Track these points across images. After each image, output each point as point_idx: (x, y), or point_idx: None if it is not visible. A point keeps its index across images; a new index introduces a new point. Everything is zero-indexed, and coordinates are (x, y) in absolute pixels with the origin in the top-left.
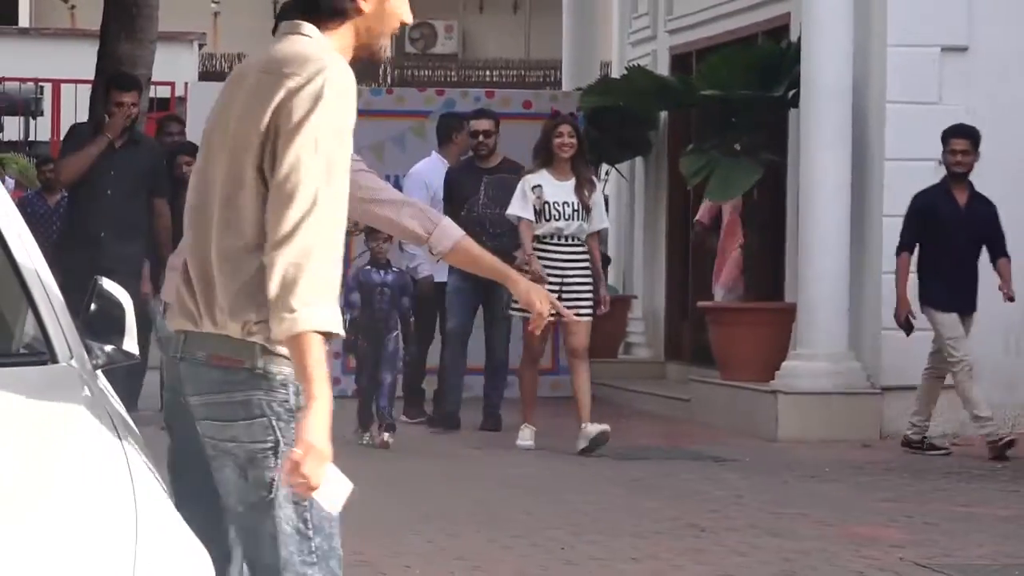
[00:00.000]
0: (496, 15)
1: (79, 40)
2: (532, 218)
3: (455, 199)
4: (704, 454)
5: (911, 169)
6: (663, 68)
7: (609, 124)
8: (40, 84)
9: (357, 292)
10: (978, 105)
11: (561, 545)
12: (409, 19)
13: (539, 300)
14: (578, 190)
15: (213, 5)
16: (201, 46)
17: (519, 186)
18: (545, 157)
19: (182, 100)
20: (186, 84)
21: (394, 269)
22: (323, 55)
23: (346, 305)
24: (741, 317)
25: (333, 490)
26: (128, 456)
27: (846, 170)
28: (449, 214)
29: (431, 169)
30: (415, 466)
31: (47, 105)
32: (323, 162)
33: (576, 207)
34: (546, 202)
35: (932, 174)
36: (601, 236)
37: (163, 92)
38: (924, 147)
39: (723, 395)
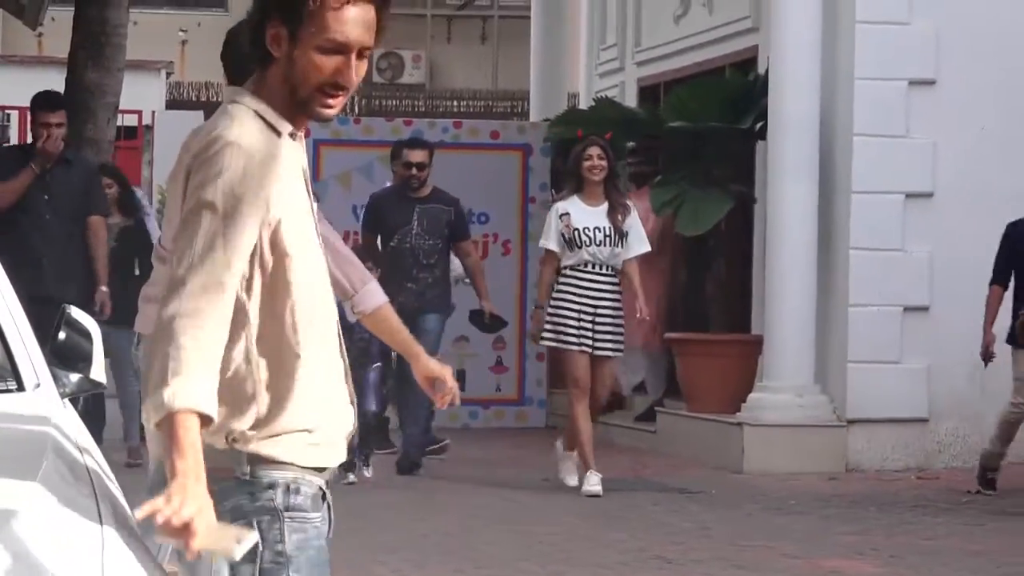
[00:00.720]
0: (464, 45)
1: (46, 68)
2: (556, 248)
3: (384, 228)
4: (670, 486)
5: (878, 202)
6: (631, 100)
7: None
8: (7, 111)
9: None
10: (945, 139)
11: None
12: (346, 81)
13: (447, 376)
14: (611, 215)
15: (181, 34)
16: (169, 75)
17: (549, 215)
18: (575, 182)
19: (149, 128)
20: (153, 113)
21: None
22: (229, 122)
23: None
24: (708, 349)
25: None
26: (96, 487)
27: (813, 202)
28: (378, 241)
29: None
30: (380, 497)
31: (14, 132)
32: (208, 232)
33: (608, 232)
34: (575, 229)
35: (900, 207)
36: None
37: (130, 120)
38: (891, 180)
39: (689, 427)
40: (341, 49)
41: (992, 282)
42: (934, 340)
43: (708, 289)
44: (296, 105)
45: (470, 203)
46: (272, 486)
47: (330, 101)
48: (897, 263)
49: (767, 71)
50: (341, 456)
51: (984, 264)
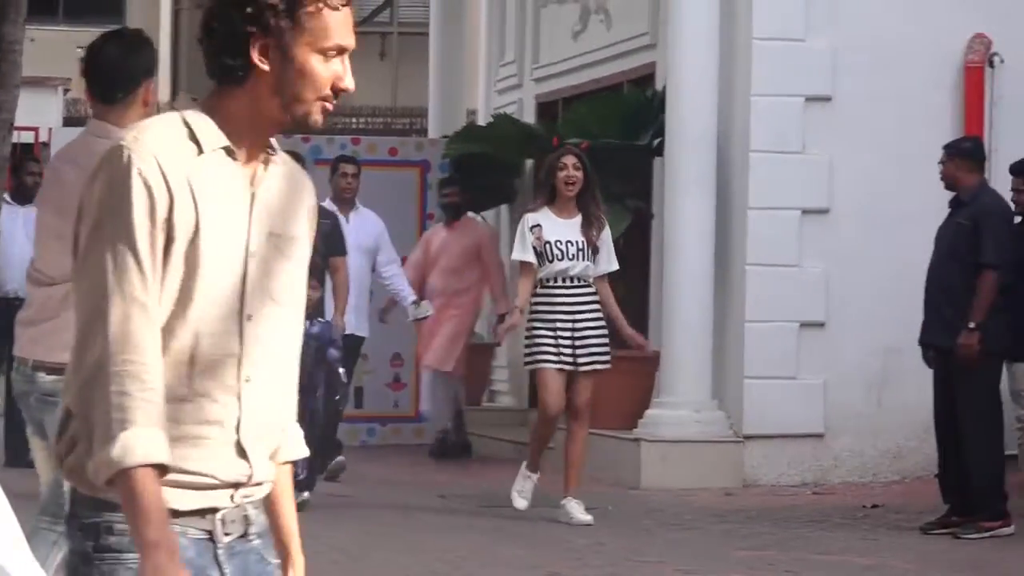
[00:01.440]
0: (363, 62)
1: None
2: (533, 260)
3: None
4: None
5: (774, 218)
6: (529, 116)
7: (475, 172)
8: None
9: None
10: (842, 155)
11: None
12: (348, 85)
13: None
14: (584, 228)
15: (78, 51)
16: (66, 91)
17: (519, 227)
18: (547, 193)
19: (46, 145)
20: (50, 129)
21: (319, 320)
22: (124, 139)
23: None
24: None
25: None
26: None
27: (710, 218)
28: None
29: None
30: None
31: None
32: (108, 252)
33: (581, 246)
34: (547, 242)
35: (796, 223)
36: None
37: (27, 137)
38: (787, 196)
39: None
40: (341, 52)
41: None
42: (830, 356)
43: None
44: (286, 116)
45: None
46: (86, 527)
47: (328, 106)
48: (793, 279)
49: (665, 87)
50: (212, 502)
51: (879, 280)
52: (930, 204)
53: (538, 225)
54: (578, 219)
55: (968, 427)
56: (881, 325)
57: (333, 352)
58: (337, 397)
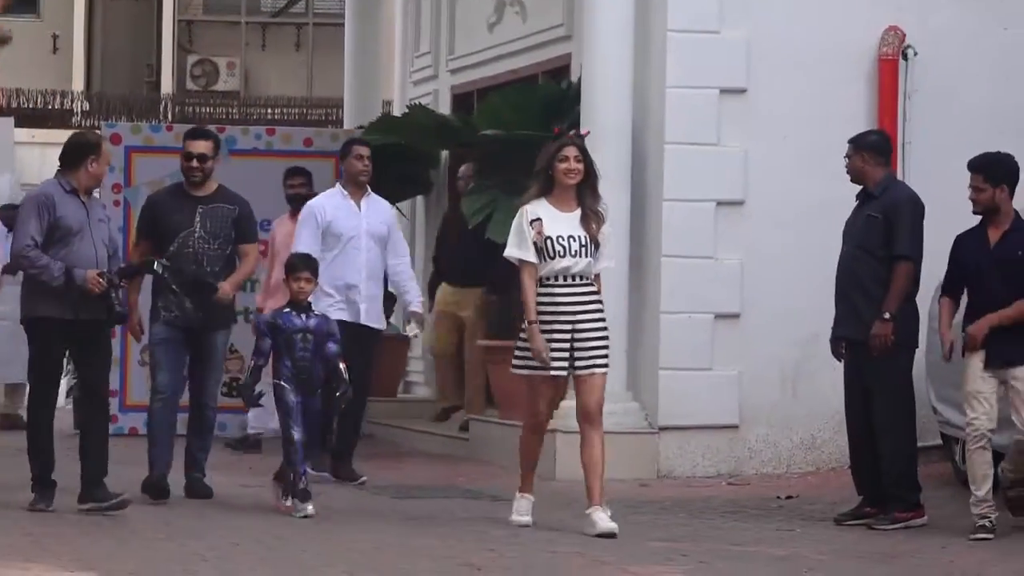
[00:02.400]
0: (278, 53)
1: None
2: (535, 259)
3: (163, 230)
4: (482, 493)
5: (690, 210)
6: (444, 107)
7: (390, 162)
8: None
9: (269, 338)
10: (756, 147)
11: None
12: None
13: None
14: (585, 223)
15: None
16: None
17: (516, 220)
18: (545, 183)
19: None
20: None
21: (316, 313)
22: None
23: (254, 353)
24: None
25: None
26: None
27: (625, 210)
28: (155, 247)
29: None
30: (189, 503)
31: None
32: None
33: (584, 242)
34: (548, 237)
35: (711, 215)
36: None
37: None
38: (703, 188)
39: (501, 434)
40: None
41: (942, 295)
42: (745, 347)
43: (517, 297)
44: None
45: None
46: None
47: None
48: (708, 270)
49: (580, 79)
50: None
51: (794, 272)
52: (845, 196)
53: (538, 219)
54: (578, 212)
55: (881, 419)
56: (796, 317)
57: (332, 346)
58: (339, 393)
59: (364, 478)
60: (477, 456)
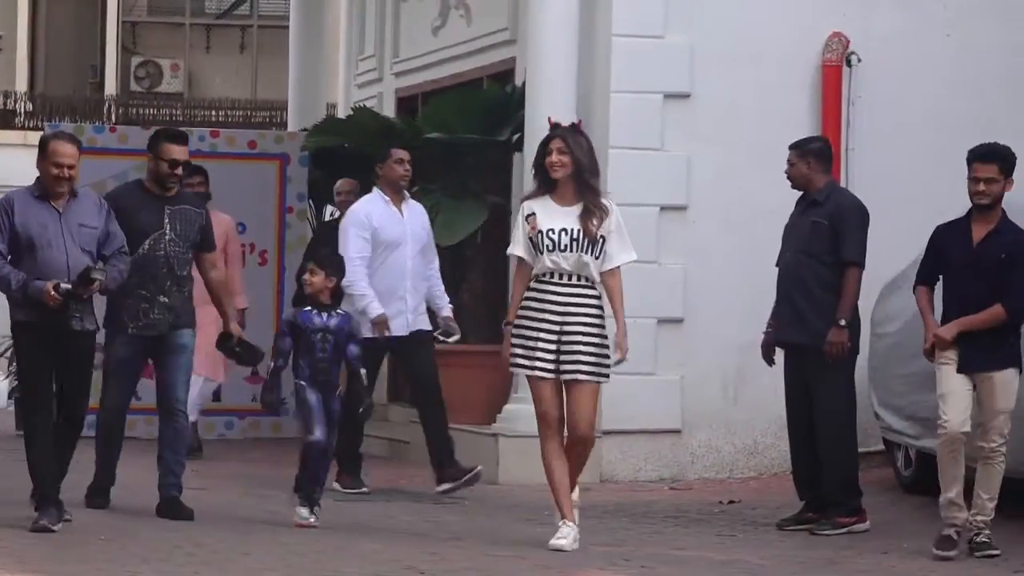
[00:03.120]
0: (223, 55)
1: None
2: (524, 255)
3: (129, 231)
4: (424, 496)
5: (633, 214)
6: (389, 110)
7: (334, 165)
8: None
9: (289, 338)
10: (700, 152)
11: None
12: None
13: None
14: (585, 218)
15: None
16: None
17: (517, 214)
18: (542, 178)
19: None
20: None
21: (339, 312)
22: None
23: (274, 354)
24: (462, 359)
25: None
26: None
27: None
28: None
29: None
30: (127, 504)
31: None
32: None
33: (576, 236)
34: (539, 231)
35: (654, 220)
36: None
37: None
38: (646, 193)
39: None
40: None
41: (917, 283)
42: (688, 352)
43: (464, 300)
44: None
45: (227, 213)
46: None
47: None
48: (651, 275)
49: (524, 83)
50: None
51: (737, 277)
52: (788, 201)
53: (533, 213)
54: (578, 207)
55: (824, 424)
56: (738, 322)
57: (353, 348)
58: (360, 410)
59: (471, 474)
60: (419, 459)
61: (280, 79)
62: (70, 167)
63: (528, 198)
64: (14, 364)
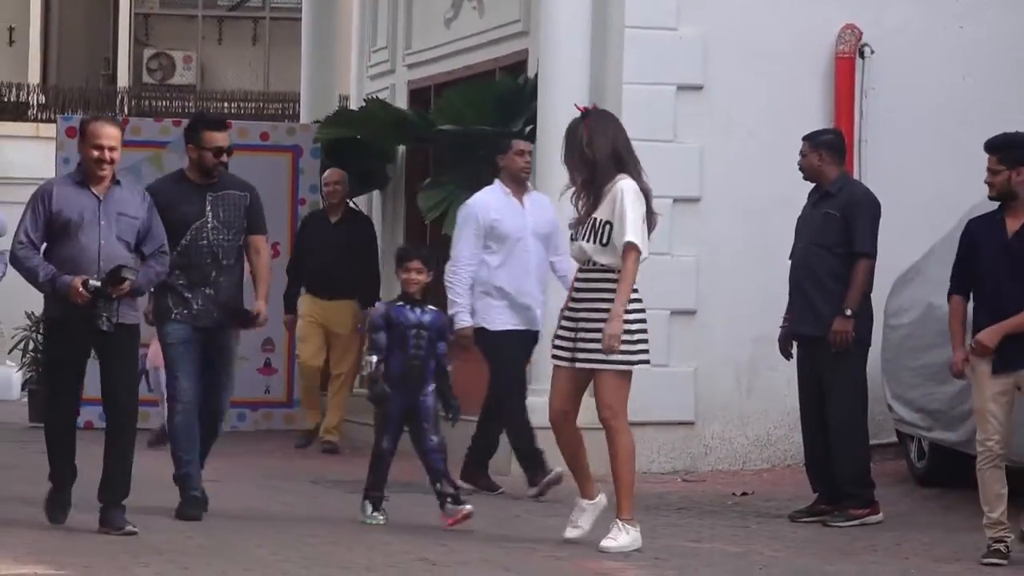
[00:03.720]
0: (235, 47)
1: None
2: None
3: (171, 222)
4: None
5: None
6: (401, 102)
7: (347, 157)
8: None
9: (384, 332)
10: (713, 144)
11: None
12: None
13: None
14: (587, 205)
15: None
16: None
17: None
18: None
19: None
20: None
21: (431, 308)
22: None
23: (370, 348)
24: (475, 352)
25: None
26: None
27: None
28: (169, 238)
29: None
30: (144, 496)
31: None
32: None
33: (571, 223)
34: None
35: (667, 211)
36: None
37: None
38: (659, 185)
39: (459, 430)
40: None
41: (951, 292)
42: (700, 343)
43: None
44: None
45: None
46: None
47: None
48: (664, 267)
49: (537, 75)
50: None
51: (749, 269)
52: (801, 193)
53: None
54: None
55: (837, 416)
56: (751, 313)
57: (442, 346)
58: (449, 417)
59: (501, 488)
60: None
61: (292, 71)
62: (111, 149)
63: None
64: (27, 356)
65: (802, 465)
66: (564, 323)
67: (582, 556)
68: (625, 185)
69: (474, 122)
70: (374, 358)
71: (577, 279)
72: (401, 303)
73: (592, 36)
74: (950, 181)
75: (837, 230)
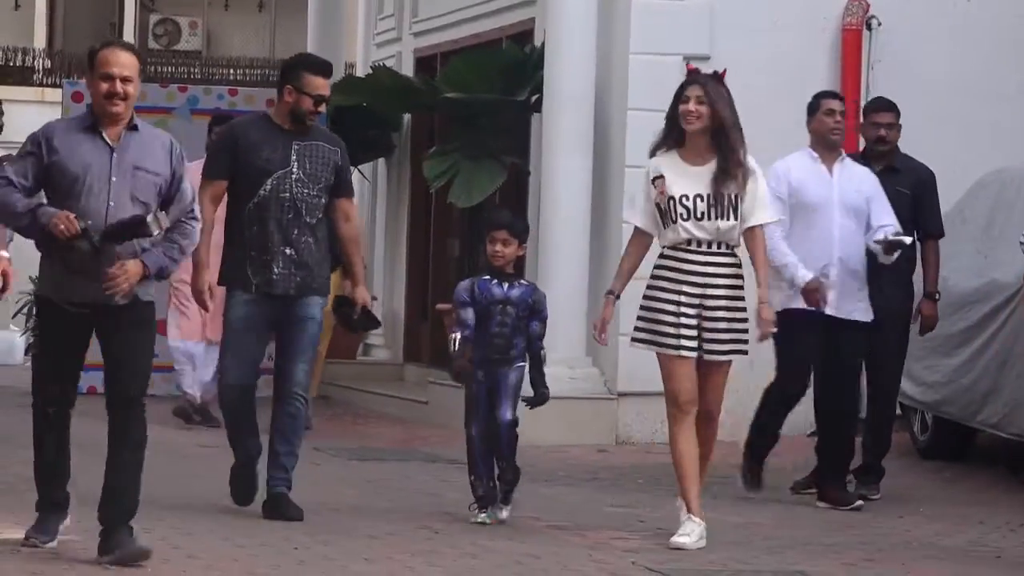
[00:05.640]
0: (241, 13)
1: None
2: (648, 227)
3: (248, 168)
4: (440, 456)
5: None
6: (408, 70)
7: (352, 124)
8: None
9: (471, 308)
10: None
11: (295, 545)
12: None
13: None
14: (720, 178)
15: None
16: None
17: (644, 177)
18: (672, 132)
19: None
20: None
21: (521, 282)
22: None
23: (458, 325)
24: None
25: None
26: None
27: (587, 176)
28: (234, 189)
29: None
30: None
31: None
32: None
33: (712, 202)
34: (671, 197)
35: None
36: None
37: None
38: None
39: (461, 397)
40: None
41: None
42: None
43: (481, 260)
44: None
45: None
46: None
47: None
48: None
49: (543, 44)
50: None
51: None
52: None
53: (661, 176)
54: (711, 166)
55: (885, 391)
56: (755, 286)
57: (535, 326)
58: (530, 405)
59: (860, 503)
60: (435, 420)
61: (299, 38)
62: (126, 80)
63: (654, 154)
64: (31, 320)
65: (805, 436)
66: (686, 311)
67: (584, 526)
68: (751, 159)
69: (480, 91)
70: (457, 334)
71: (697, 262)
72: (487, 276)
73: (599, 5)
74: (956, 154)
75: (907, 209)
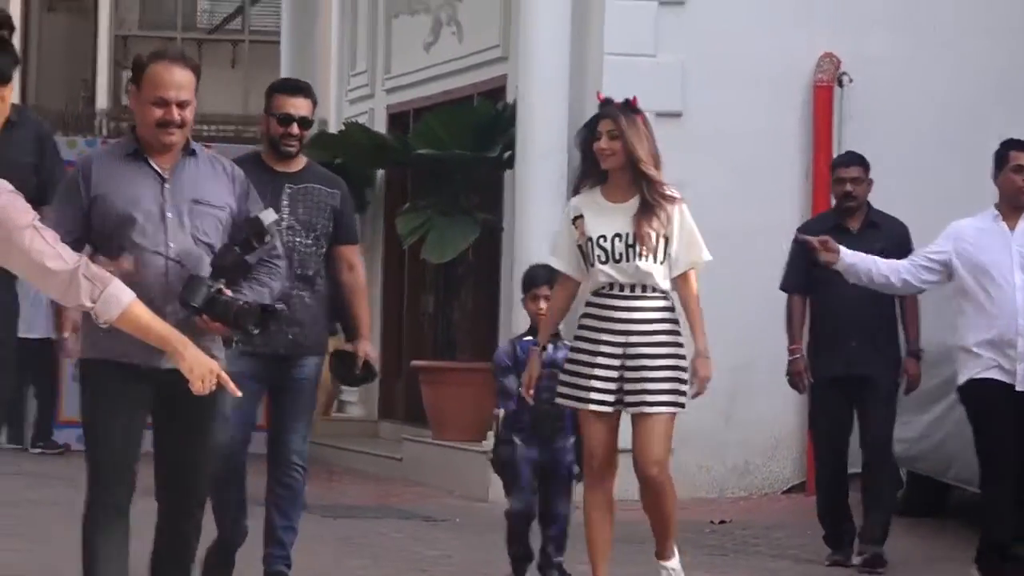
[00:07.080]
0: (214, 69)
1: None
2: (572, 271)
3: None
4: (415, 513)
5: None
6: (380, 126)
7: None
8: None
9: (513, 375)
10: (691, 171)
11: None
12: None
13: (201, 378)
14: (642, 215)
15: None
16: None
17: (563, 217)
18: (591, 169)
19: None
20: None
21: (566, 343)
22: None
23: (499, 394)
24: (453, 377)
25: None
26: None
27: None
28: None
29: None
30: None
31: None
32: None
33: (631, 241)
34: (588, 238)
35: None
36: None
37: None
38: None
39: (435, 454)
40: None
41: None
42: None
43: (455, 316)
44: None
45: None
46: None
47: None
48: None
49: (516, 100)
50: None
51: (729, 297)
52: (779, 221)
53: (580, 216)
54: (633, 202)
55: (881, 456)
56: (730, 342)
57: None
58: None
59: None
60: (410, 476)
61: None
62: (182, 105)
63: (576, 191)
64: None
65: (780, 494)
66: (601, 360)
67: None
68: (677, 194)
69: (453, 147)
70: (501, 411)
71: (619, 307)
72: (529, 337)
73: (571, 62)
74: (929, 210)
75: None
